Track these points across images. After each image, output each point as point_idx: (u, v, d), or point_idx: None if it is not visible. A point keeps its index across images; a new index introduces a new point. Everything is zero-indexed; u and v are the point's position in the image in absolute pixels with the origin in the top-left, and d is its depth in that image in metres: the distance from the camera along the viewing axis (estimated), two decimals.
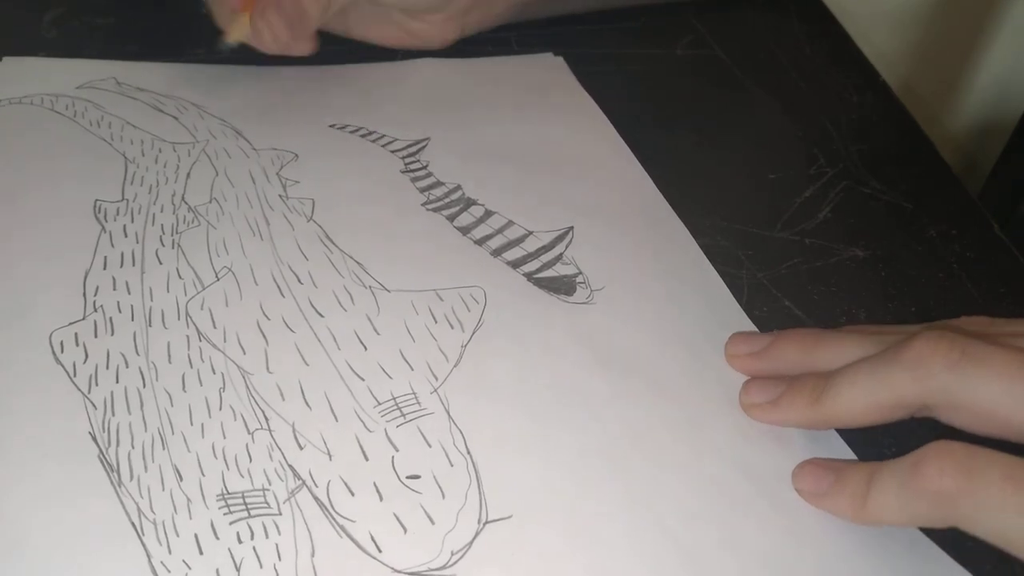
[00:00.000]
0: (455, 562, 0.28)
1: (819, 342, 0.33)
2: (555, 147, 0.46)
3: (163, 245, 0.38)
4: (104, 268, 0.36)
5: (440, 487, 0.29)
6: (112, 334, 0.34)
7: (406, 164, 0.44)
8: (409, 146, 0.45)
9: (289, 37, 0.44)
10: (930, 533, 0.30)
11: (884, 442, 0.33)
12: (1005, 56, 0.96)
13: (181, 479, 0.29)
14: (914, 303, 0.39)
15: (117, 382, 0.32)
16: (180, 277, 0.36)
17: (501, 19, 0.54)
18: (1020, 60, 0.96)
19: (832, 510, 0.30)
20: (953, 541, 0.30)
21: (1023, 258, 0.42)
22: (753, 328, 0.37)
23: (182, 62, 0.50)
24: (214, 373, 0.33)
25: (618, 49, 0.55)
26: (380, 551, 0.28)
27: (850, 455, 0.32)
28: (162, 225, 0.39)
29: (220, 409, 0.31)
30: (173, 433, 0.30)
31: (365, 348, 0.34)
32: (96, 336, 0.34)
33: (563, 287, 0.38)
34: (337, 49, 0.52)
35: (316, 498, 0.29)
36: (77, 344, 0.33)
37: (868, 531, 0.30)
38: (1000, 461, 0.26)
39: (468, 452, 0.31)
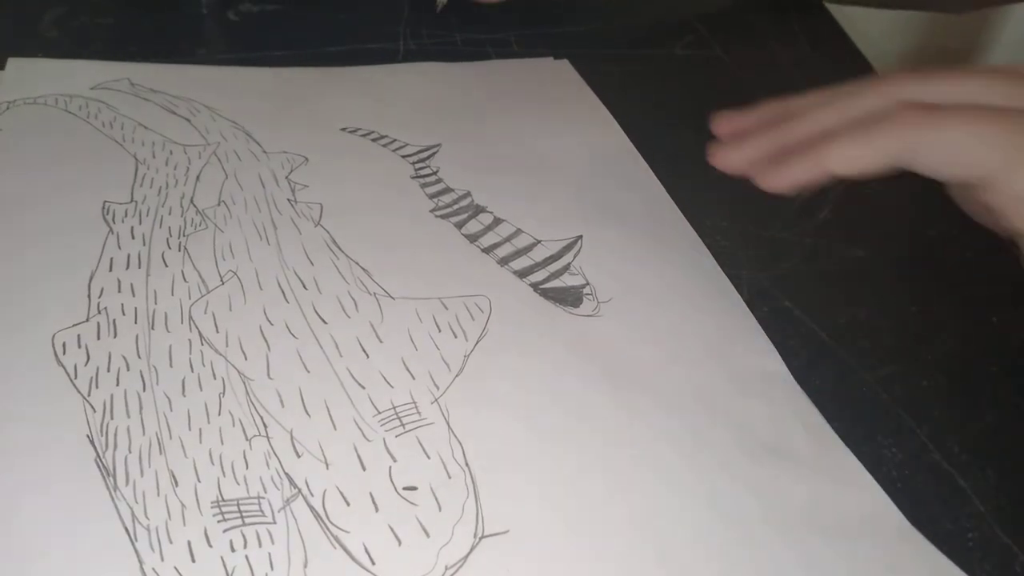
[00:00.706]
0: None
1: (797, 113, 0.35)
2: (567, 154, 0.46)
3: (170, 248, 0.38)
4: (110, 270, 0.36)
5: (437, 499, 0.29)
6: (114, 336, 0.34)
7: (416, 169, 0.44)
8: (420, 151, 0.45)
9: None
10: (931, 534, 0.30)
11: (884, 442, 0.33)
12: (1005, 56, 0.95)
13: (177, 485, 0.29)
14: (914, 303, 0.38)
15: (117, 385, 0.32)
16: (185, 280, 0.36)
17: None
18: (1020, 60, 0.95)
19: (793, 178, 0.32)
20: (953, 544, 0.30)
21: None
22: (767, 342, 0.36)
23: (183, 62, 0.50)
24: (214, 378, 0.32)
25: (618, 49, 0.55)
26: (373, 563, 0.27)
27: (859, 467, 0.32)
28: (170, 227, 0.39)
29: (219, 415, 0.31)
30: (171, 438, 0.30)
31: (367, 356, 0.34)
32: (98, 338, 0.34)
33: (570, 298, 0.37)
34: (340, 50, 0.52)
35: (311, 507, 0.29)
36: (79, 346, 0.33)
37: (871, 538, 0.30)
38: (960, 105, 0.30)
39: (467, 464, 0.30)
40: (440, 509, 0.29)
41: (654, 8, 0.59)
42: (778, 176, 0.33)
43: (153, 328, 0.34)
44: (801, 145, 0.33)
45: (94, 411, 0.31)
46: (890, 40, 0.91)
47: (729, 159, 0.34)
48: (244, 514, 0.28)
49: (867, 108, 0.32)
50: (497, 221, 0.41)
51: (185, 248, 0.38)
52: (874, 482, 0.32)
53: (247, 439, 0.30)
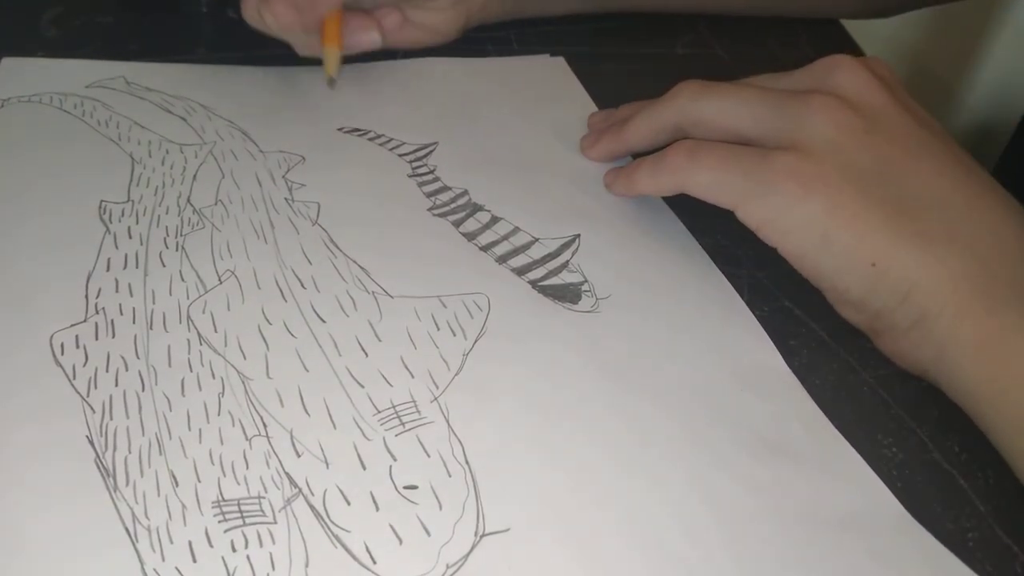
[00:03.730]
0: (450, 575, 0.27)
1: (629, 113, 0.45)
2: (562, 152, 0.46)
3: (167, 247, 0.38)
4: (107, 270, 0.36)
5: (437, 498, 0.29)
6: (113, 337, 0.34)
7: (413, 168, 0.44)
8: (416, 150, 0.45)
9: (300, 26, 0.45)
10: (931, 534, 0.30)
11: (883, 442, 0.33)
12: (1005, 56, 0.95)
13: (177, 485, 0.29)
14: None
15: (116, 385, 0.32)
16: (183, 280, 0.36)
17: (504, 14, 0.54)
18: (1020, 60, 0.95)
19: (618, 191, 0.43)
20: (953, 544, 0.30)
21: None
22: (765, 337, 0.37)
23: (183, 61, 0.50)
24: (213, 378, 0.32)
25: (618, 48, 0.55)
26: (375, 562, 0.27)
27: (860, 461, 0.32)
28: (167, 227, 0.39)
29: (218, 414, 0.31)
30: (171, 438, 0.30)
31: (366, 355, 0.34)
32: (97, 339, 0.33)
33: (568, 295, 0.37)
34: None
35: (312, 507, 0.29)
36: (77, 346, 0.33)
37: (874, 534, 0.30)
38: (715, 147, 0.38)
39: (467, 463, 0.30)
40: (441, 508, 0.29)
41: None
42: (616, 187, 0.43)
43: (151, 328, 0.34)
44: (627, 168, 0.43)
45: (93, 412, 0.31)
46: (890, 41, 0.91)
47: (588, 153, 0.46)
48: (245, 514, 0.28)
49: (662, 123, 0.42)
50: (495, 219, 0.41)
51: (182, 248, 0.38)
52: (874, 475, 0.32)
53: (247, 439, 0.30)
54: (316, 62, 0.47)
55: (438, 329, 0.35)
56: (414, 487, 0.29)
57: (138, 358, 0.33)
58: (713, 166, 0.37)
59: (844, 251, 0.34)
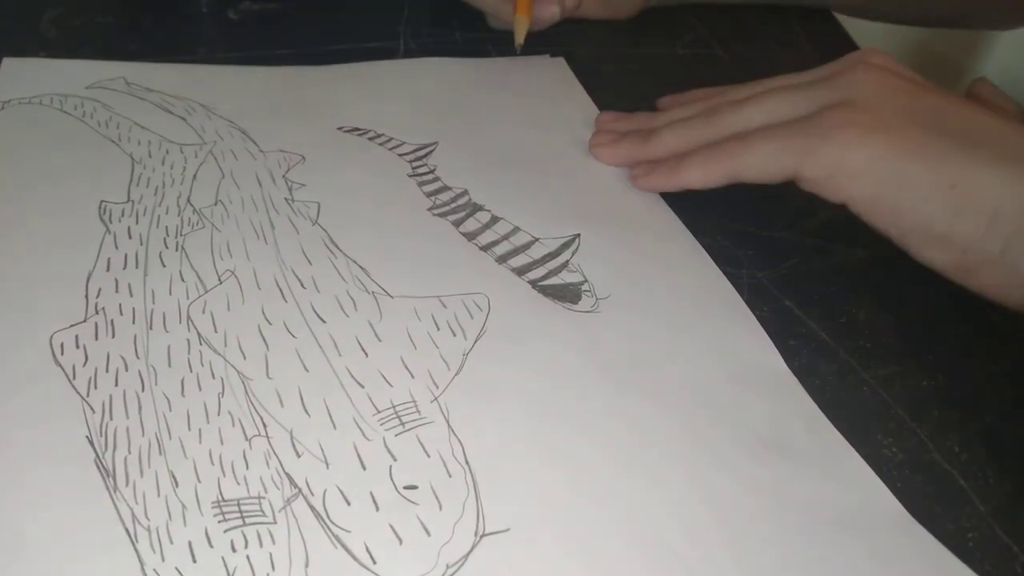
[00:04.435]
0: (450, 575, 0.27)
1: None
2: (562, 152, 0.46)
3: (167, 247, 0.38)
4: (107, 270, 0.36)
5: (437, 498, 0.29)
6: (112, 337, 0.34)
7: (413, 168, 0.44)
8: (416, 150, 0.45)
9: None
10: (935, 532, 0.30)
11: (883, 442, 0.33)
12: (1005, 56, 0.95)
13: (177, 485, 0.29)
14: (914, 303, 0.38)
15: (116, 385, 0.32)
16: (183, 280, 0.36)
17: None
18: (1020, 60, 0.95)
19: (652, 185, 0.43)
20: (953, 544, 0.30)
21: None
22: (764, 337, 0.37)
23: (184, 62, 0.50)
24: (213, 378, 0.32)
25: (619, 47, 0.55)
26: (375, 562, 0.27)
27: (859, 461, 0.32)
28: (167, 227, 0.39)
29: (218, 415, 0.31)
30: (170, 438, 0.30)
31: (366, 355, 0.34)
32: (96, 339, 0.33)
33: (568, 295, 0.37)
34: (341, 49, 0.52)
35: (312, 507, 0.28)
36: (77, 346, 0.33)
37: (874, 534, 0.30)
38: (761, 127, 0.38)
39: (467, 463, 0.30)
40: (441, 508, 0.29)
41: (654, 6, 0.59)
42: (647, 181, 0.43)
43: (151, 328, 0.34)
44: (662, 160, 0.43)
45: (93, 412, 0.31)
46: (890, 41, 0.91)
47: (604, 155, 0.45)
48: (245, 514, 0.28)
49: (705, 136, 0.41)
50: (495, 219, 0.41)
51: (182, 248, 0.38)
52: (874, 475, 0.32)
53: (247, 439, 0.30)
54: (320, 61, 0.47)
55: (438, 329, 0.35)
56: (414, 487, 0.29)
57: (138, 358, 0.33)
58: (765, 138, 0.37)
59: (920, 179, 0.34)
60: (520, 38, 0.51)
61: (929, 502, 0.31)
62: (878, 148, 0.35)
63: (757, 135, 0.38)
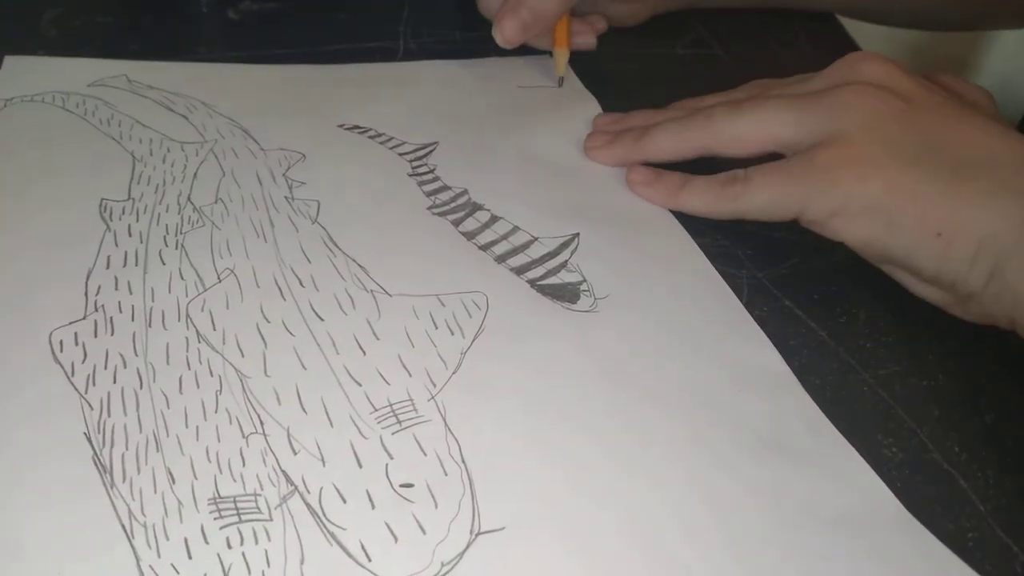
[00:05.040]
0: (445, 573, 0.27)
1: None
2: (562, 152, 0.46)
3: (167, 245, 0.38)
4: (107, 268, 0.36)
5: (433, 496, 0.29)
6: (112, 334, 0.34)
7: (413, 167, 0.44)
8: (417, 149, 0.45)
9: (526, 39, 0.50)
10: (935, 532, 0.30)
11: (883, 442, 0.33)
12: (1005, 56, 0.95)
13: (174, 482, 0.29)
14: (914, 303, 0.38)
15: (114, 383, 0.32)
16: (182, 278, 0.36)
17: (689, 3, 0.58)
18: (1020, 60, 0.95)
19: (650, 197, 0.43)
20: (953, 544, 0.30)
21: None
22: (764, 338, 0.36)
23: (184, 60, 0.50)
24: (211, 375, 0.32)
25: (619, 47, 0.55)
26: (370, 560, 0.27)
27: (859, 460, 0.32)
28: (167, 225, 0.39)
29: (216, 412, 0.31)
30: (168, 435, 0.30)
31: (364, 353, 0.34)
32: (96, 336, 0.33)
33: (567, 295, 0.37)
34: (341, 49, 0.52)
35: (308, 504, 0.28)
36: (76, 344, 0.33)
37: (874, 534, 0.30)
38: (760, 169, 0.39)
39: (463, 461, 0.30)
40: (436, 506, 0.29)
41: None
42: (648, 191, 0.43)
43: (150, 326, 0.34)
44: (663, 180, 0.43)
45: (91, 409, 0.31)
46: (891, 41, 0.91)
47: (599, 156, 0.45)
48: (241, 511, 0.28)
49: (692, 144, 0.42)
50: (494, 218, 0.41)
51: (182, 246, 0.38)
52: (874, 475, 0.32)
53: (244, 436, 0.30)
54: (320, 61, 0.47)
55: (436, 328, 0.35)
56: (410, 485, 0.29)
57: (136, 355, 0.33)
58: (766, 184, 0.39)
59: (908, 231, 0.35)
60: (561, 70, 0.52)
61: (929, 502, 0.31)
62: (873, 192, 0.36)
63: (759, 178, 0.39)
